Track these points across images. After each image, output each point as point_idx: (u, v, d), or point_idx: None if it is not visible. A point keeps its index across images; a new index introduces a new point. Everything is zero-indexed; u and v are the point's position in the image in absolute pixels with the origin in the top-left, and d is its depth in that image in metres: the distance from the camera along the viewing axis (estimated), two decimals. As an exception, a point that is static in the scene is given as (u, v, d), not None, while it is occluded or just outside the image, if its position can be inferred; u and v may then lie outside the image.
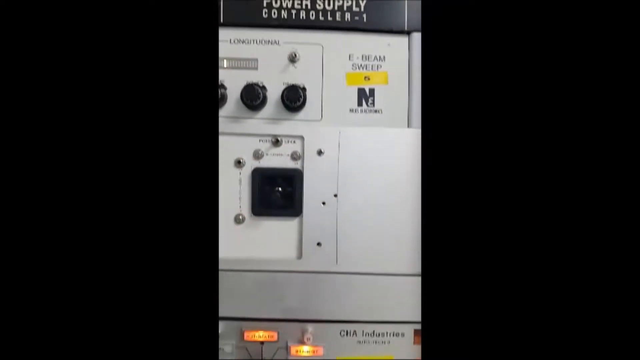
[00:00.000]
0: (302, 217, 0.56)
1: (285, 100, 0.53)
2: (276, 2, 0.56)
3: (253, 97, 0.53)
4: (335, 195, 0.55)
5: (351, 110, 0.56)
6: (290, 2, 0.56)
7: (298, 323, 0.56)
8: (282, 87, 0.55)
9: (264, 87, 0.55)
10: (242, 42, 0.56)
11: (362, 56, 0.56)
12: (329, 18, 0.56)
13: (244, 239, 0.56)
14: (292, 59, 0.56)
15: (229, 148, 0.55)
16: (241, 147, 0.55)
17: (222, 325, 0.56)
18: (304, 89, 0.54)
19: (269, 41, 0.56)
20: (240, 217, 0.56)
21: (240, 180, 0.56)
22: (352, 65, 0.56)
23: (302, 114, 0.56)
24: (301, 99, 0.53)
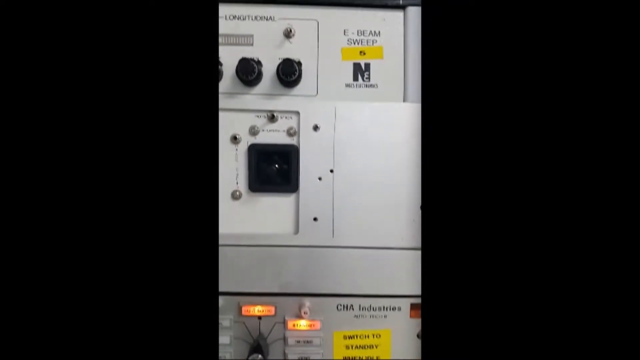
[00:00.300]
0: (298, 192, 0.56)
1: (281, 75, 0.53)
2: (271, -22, 0.56)
3: (248, 71, 0.53)
4: (332, 171, 0.56)
5: (347, 85, 0.56)
6: (285, -23, 0.56)
7: (295, 297, 0.57)
8: (278, 63, 0.55)
9: (259, 62, 0.55)
10: (238, 18, 0.56)
11: (358, 31, 0.56)
12: (324, -7, 0.56)
13: (241, 215, 0.57)
14: (288, 34, 0.56)
15: (225, 124, 0.55)
16: (237, 123, 0.55)
17: (220, 300, 0.56)
18: (299, 64, 0.54)
19: (264, 17, 0.56)
20: (237, 193, 0.56)
21: (236, 157, 0.56)
22: (348, 40, 0.56)
23: (297, 89, 0.56)
24: (296, 73, 0.53)
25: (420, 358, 0.58)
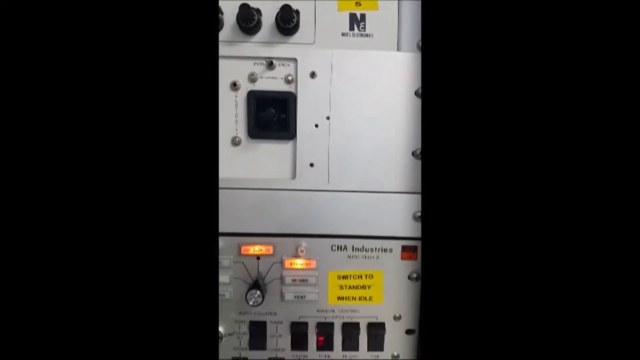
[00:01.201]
0: (295, 139, 0.58)
1: (279, 22, 0.55)
2: None
3: (248, 18, 0.54)
4: (328, 118, 0.58)
5: (343, 35, 0.58)
6: None
7: (292, 238, 0.59)
8: (276, 12, 0.57)
9: (258, 11, 0.56)
10: (237, -31, 0.58)
11: (354, -18, 0.58)
12: (322, -54, 0.57)
13: (241, 160, 0.59)
14: (286, -15, 0.57)
15: (225, 71, 0.57)
16: (237, 70, 0.57)
17: (220, 241, 0.59)
18: (297, 12, 0.56)
19: (263, -32, 0.58)
20: (237, 139, 0.59)
21: (236, 103, 0.58)
22: (344, -9, 0.58)
23: (295, 38, 0.58)
24: (294, 20, 0.55)
25: (409, 298, 0.62)
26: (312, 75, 0.57)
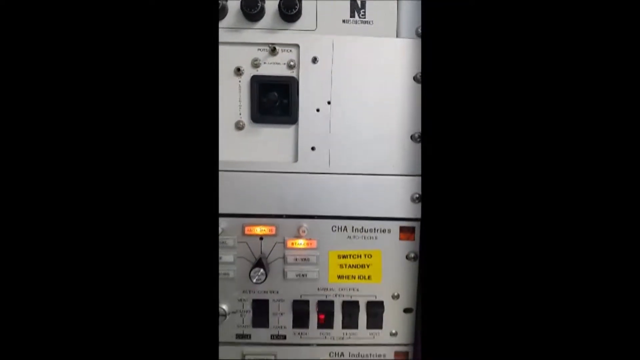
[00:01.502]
0: (297, 123, 0.60)
1: (282, 9, 0.57)
2: None
3: (252, 5, 0.56)
4: (329, 103, 0.60)
5: (344, 21, 0.59)
6: None
7: (294, 219, 0.61)
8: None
9: (261, -2, 0.58)
10: (240, -43, 0.59)
11: (354, -30, 0.60)
12: None
13: (245, 144, 0.61)
14: (288, -27, 0.59)
15: (229, 57, 0.59)
16: (240, 56, 0.59)
17: (225, 221, 0.61)
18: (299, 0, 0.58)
19: (265, -44, 0.59)
20: (241, 123, 0.61)
21: (239, 88, 0.60)
22: (344, -21, 0.60)
23: (297, 24, 0.59)
24: (297, 7, 0.57)
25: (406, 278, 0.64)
26: (314, 60, 0.59)
